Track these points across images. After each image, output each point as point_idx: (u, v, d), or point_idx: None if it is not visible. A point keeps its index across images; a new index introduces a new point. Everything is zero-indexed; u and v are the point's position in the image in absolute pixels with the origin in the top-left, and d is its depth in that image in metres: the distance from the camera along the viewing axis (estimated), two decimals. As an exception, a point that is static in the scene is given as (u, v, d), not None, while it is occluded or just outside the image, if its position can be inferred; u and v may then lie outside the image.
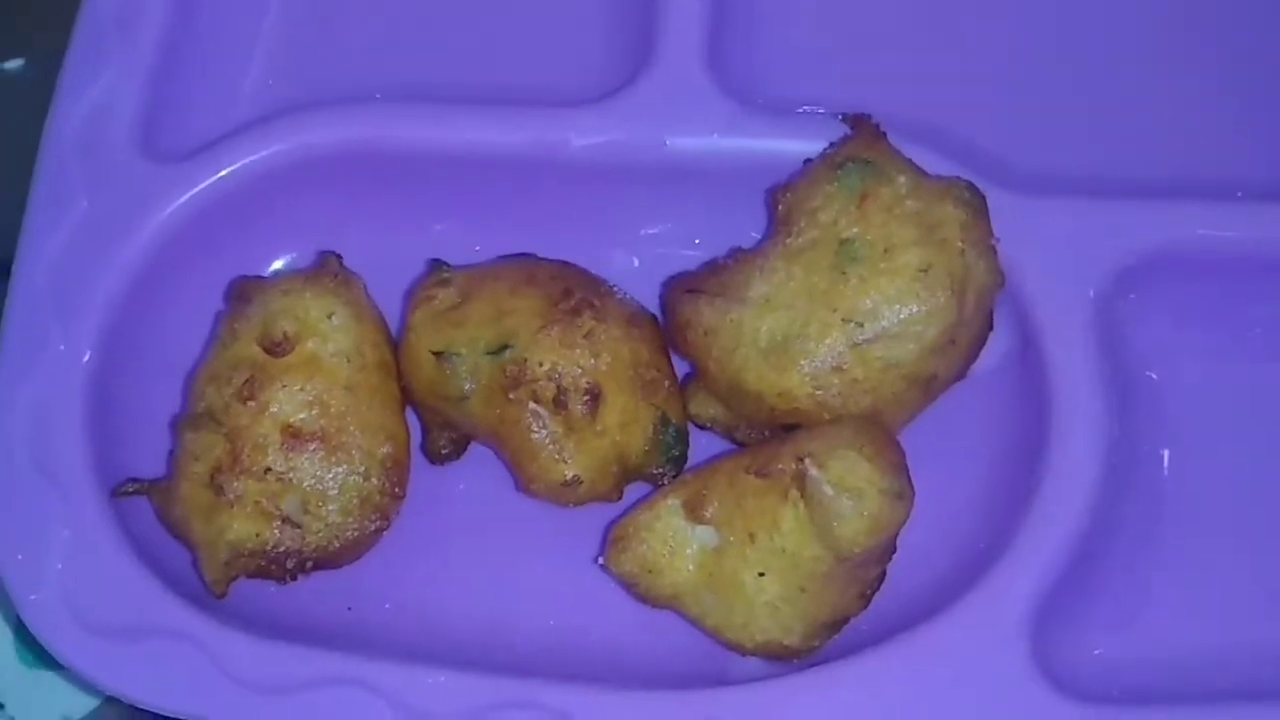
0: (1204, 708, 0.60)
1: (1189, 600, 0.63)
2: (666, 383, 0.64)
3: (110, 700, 0.65)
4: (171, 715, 0.61)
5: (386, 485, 0.63)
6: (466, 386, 0.63)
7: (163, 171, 0.68)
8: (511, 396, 0.62)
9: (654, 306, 0.67)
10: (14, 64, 0.80)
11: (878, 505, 0.57)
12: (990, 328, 0.63)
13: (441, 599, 0.64)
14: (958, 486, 0.64)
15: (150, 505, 0.64)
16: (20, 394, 0.64)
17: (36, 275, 0.66)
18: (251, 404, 0.62)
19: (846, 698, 0.59)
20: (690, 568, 0.61)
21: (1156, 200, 0.66)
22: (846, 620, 0.61)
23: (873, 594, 0.61)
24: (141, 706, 0.61)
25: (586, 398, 0.62)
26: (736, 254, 0.64)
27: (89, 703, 0.67)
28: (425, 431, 0.66)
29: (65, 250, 0.67)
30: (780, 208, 0.64)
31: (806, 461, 0.58)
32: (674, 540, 0.61)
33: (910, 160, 0.63)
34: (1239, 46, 0.72)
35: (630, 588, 0.62)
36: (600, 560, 0.62)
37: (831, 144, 0.65)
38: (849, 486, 0.57)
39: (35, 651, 0.67)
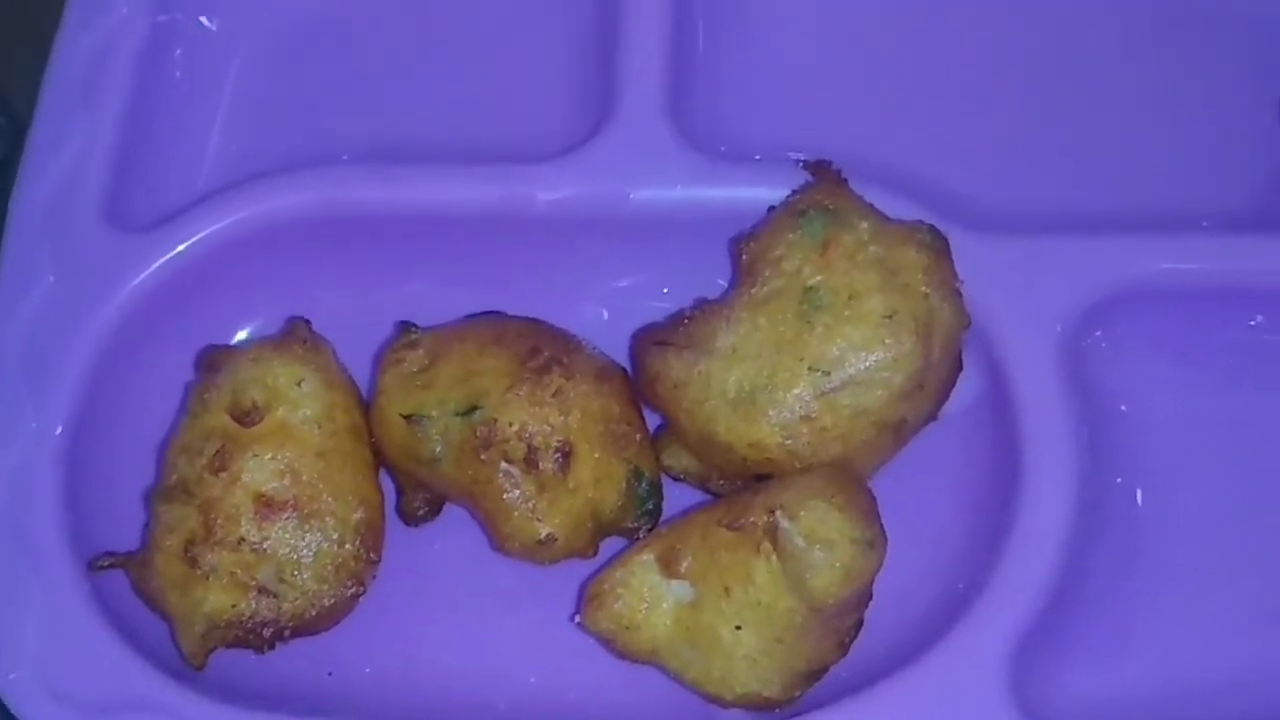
0: (1184, 743, 0.60)
1: (1166, 634, 0.63)
2: (638, 436, 0.64)
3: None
4: (154, 790, 0.61)
5: (361, 550, 0.63)
6: (438, 449, 0.63)
7: (129, 242, 0.68)
8: (483, 457, 0.62)
9: (624, 358, 0.67)
10: None
11: (850, 555, 0.57)
12: (959, 369, 0.64)
13: (421, 661, 0.64)
14: (932, 529, 0.64)
15: (126, 578, 0.64)
16: (-7, 468, 0.64)
17: (6, 346, 0.66)
18: (223, 475, 0.62)
19: (830, 746, 0.59)
20: (667, 622, 0.61)
21: (1120, 235, 0.66)
22: (825, 669, 0.61)
23: (850, 641, 0.61)
24: (124, 782, 0.61)
25: (558, 455, 0.62)
26: (702, 305, 0.64)
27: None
28: (400, 493, 0.66)
29: (34, 323, 0.67)
30: (744, 257, 0.64)
31: (777, 514, 0.58)
32: (650, 596, 0.61)
33: (872, 205, 0.64)
34: (1197, 79, 0.72)
35: (608, 644, 0.62)
36: (577, 619, 0.62)
37: (794, 191, 0.65)
38: (820, 538, 0.57)
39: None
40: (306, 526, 0.62)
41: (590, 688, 0.64)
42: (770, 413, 0.61)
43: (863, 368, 0.60)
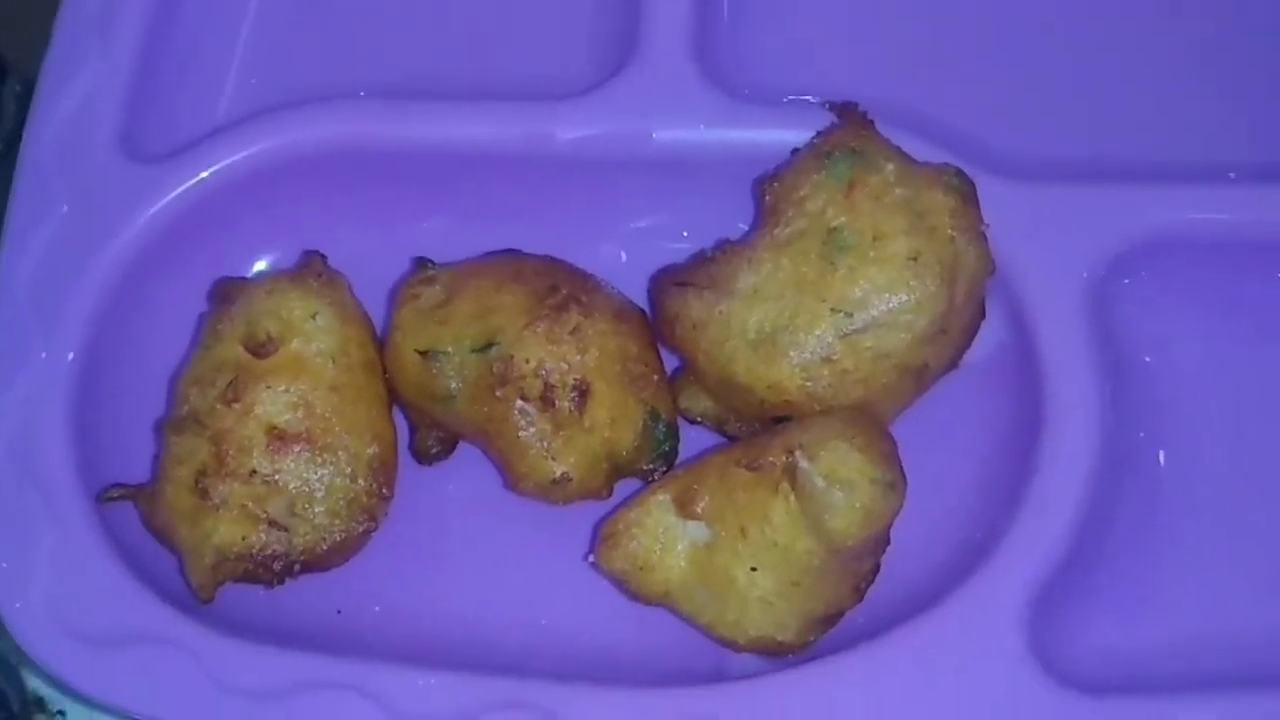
0: (1203, 695, 0.59)
1: (1187, 586, 0.63)
2: (655, 377, 0.63)
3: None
4: (159, 722, 0.60)
5: (374, 486, 0.62)
6: (453, 385, 0.62)
7: (144, 172, 0.67)
8: (498, 394, 0.61)
9: (642, 300, 0.66)
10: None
11: (870, 496, 0.57)
12: (982, 316, 0.63)
13: (431, 600, 0.64)
14: (951, 477, 0.63)
15: (136, 510, 0.64)
16: (3, 399, 0.64)
17: (18, 279, 0.66)
18: (236, 406, 0.62)
19: (843, 693, 0.59)
20: (682, 564, 0.60)
21: (1148, 184, 0.65)
22: (841, 614, 0.60)
23: (867, 587, 0.60)
24: (130, 714, 0.60)
25: (574, 394, 0.61)
26: (724, 246, 0.63)
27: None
28: (413, 431, 0.65)
29: (47, 254, 0.66)
30: (767, 198, 0.63)
31: (797, 454, 0.57)
32: (665, 536, 0.60)
33: (898, 148, 0.63)
34: (1227, 27, 0.71)
35: (621, 585, 0.61)
36: (591, 558, 0.62)
37: (819, 133, 0.64)
38: (840, 478, 0.57)
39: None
40: (319, 460, 0.62)
41: (601, 631, 0.63)
42: (791, 354, 0.60)
43: (886, 310, 0.60)
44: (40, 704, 0.67)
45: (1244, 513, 0.64)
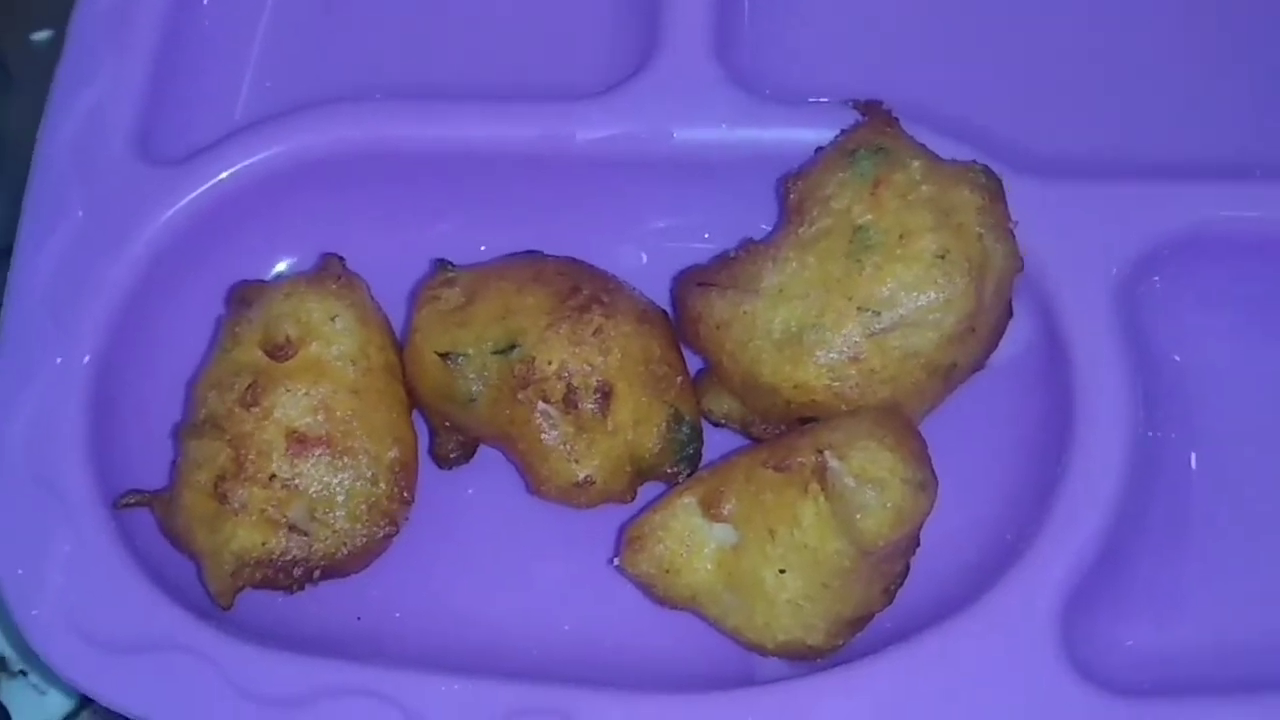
0: (1236, 697, 0.58)
1: (1220, 588, 0.62)
2: (679, 378, 0.63)
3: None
4: (179, 730, 0.59)
5: (395, 490, 0.62)
6: (474, 388, 0.61)
7: (160, 175, 0.67)
8: (520, 397, 0.61)
9: (664, 302, 0.65)
10: (43, 35, 0.79)
11: (901, 496, 0.56)
12: (1010, 315, 0.62)
13: (453, 605, 0.63)
14: (981, 478, 0.63)
15: (153, 516, 0.63)
16: (19, 404, 0.63)
17: (34, 283, 0.65)
18: (255, 409, 0.61)
19: (875, 697, 0.58)
20: (709, 567, 0.59)
21: (1177, 182, 0.65)
22: (871, 617, 0.59)
23: (897, 589, 0.59)
24: (148, 722, 0.60)
25: (597, 396, 0.61)
26: (748, 245, 0.62)
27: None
28: (433, 435, 0.65)
29: (62, 258, 0.66)
30: (792, 196, 0.62)
31: (826, 453, 0.56)
32: (691, 539, 0.59)
33: (924, 145, 0.62)
34: (1254, 24, 0.71)
35: (647, 589, 0.60)
36: (616, 562, 0.61)
37: (843, 131, 0.64)
38: (871, 477, 0.56)
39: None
40: (339, 464, 0.61)
41: (626, 635, 0.62)
42: (817, 353, 0.59)
43: (913, 308, 0.59)
44: (2, 663, 0.67)
45: (1277, 513, 0.63)
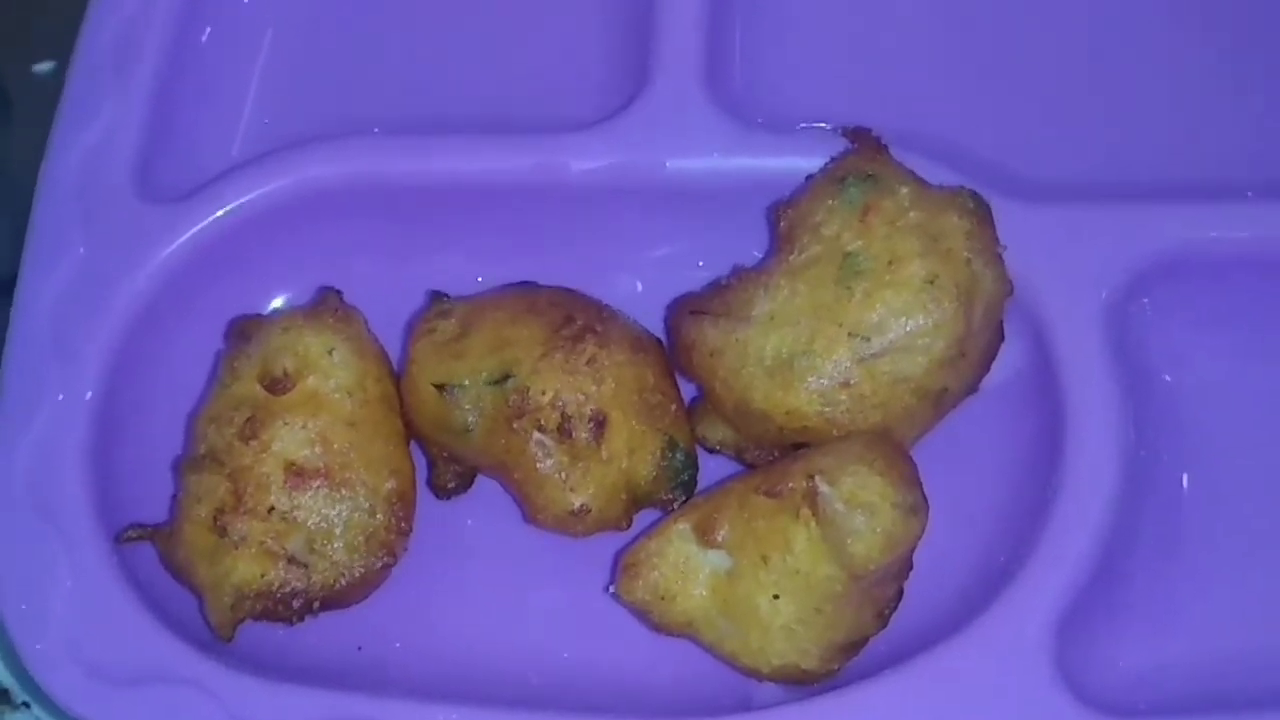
0: (1231, 716, 0.58)
1: (1214, 608, 0.62)
2: (673, 406, 0.63)
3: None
4: (182, 762, 0.60)
5: (393, 521, 0.62)
6: (470, 418, 0.62)
7: (160, 212, 0.67)
8: (515, 426, 0.61)
9: (659, 330, 0.66)
10: (45, 66, 0.80)
11: (891, 520, 0.56)
12: (1001, 339, 0.62)
13: (452, 635, 0.63)
14: (973, 501, 0.63)
15: (155, 550, 0.64)
16: (21, 439, 0.64)
17: (36, 319, 0.66)
18: (253, 443, 0.61)
19: (871, 720, 0.58)
20: (703, 593, 0.60)
21: (1166, 203, 0.65)
22: (865, 641, 0.60)
23: (890, 613, 0.60)
24: (152, 754, 0.60)
25: (591, 425, 0.61)
26: (740, 273, 0.63)
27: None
28: (430, 465, 0.65)
29: (64, 294, 0.66)
30: (782, 224, 0.63)
31: (817, 479, 0.57)
32: (686, 566, 0.60)
33: (912, 172, 0.63)
34: (1242, 44, 0.71)
35: (643, 616, 0.61)
36: (612, 589, 0.61)
37: (832, 158, 0.64)
38: (861, 502, 0.56)
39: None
40: (337, 496, 0.61)
41: (624, 662, 0.62)
42: (809, 380, 0.60)
43: (903, 333, 0.59)
44: (4, 695, 0.67)
45: (1269, 532, 0.63)
